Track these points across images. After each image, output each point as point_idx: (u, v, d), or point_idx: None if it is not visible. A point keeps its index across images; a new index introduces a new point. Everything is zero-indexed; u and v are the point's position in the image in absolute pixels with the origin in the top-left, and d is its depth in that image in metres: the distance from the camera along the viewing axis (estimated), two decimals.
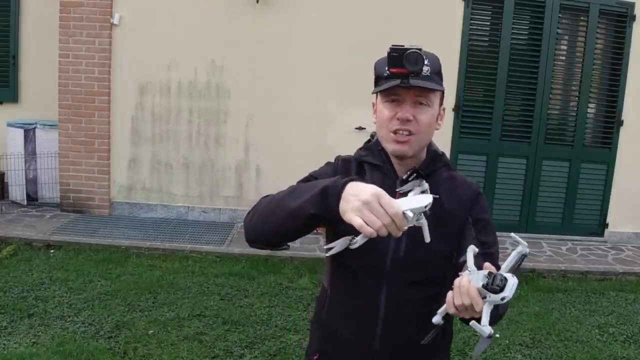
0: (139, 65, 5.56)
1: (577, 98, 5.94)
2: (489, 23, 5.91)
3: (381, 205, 0.97)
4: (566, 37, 6.02)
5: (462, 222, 1.33)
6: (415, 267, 1.29)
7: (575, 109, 5.96)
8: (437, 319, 1.15)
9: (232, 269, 4.47)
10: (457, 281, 1.09)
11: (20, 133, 5.69)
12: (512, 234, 1.10)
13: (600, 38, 5.89)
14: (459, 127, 5.81)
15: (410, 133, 1.26)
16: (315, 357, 1.41)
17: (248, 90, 5.63)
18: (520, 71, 5.81)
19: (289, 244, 4.94)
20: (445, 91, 1.33)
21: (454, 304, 1.07)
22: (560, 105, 6.08)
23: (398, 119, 1.25)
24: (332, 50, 5.57)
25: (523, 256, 1.04)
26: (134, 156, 5.73)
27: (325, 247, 1.06)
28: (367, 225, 0.96)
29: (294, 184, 1.27)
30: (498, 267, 1.12)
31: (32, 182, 5.80)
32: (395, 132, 1.27)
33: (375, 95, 1.33)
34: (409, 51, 1.18)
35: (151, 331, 3.38)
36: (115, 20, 5.47)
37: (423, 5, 5.61)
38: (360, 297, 1.32)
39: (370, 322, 1.31)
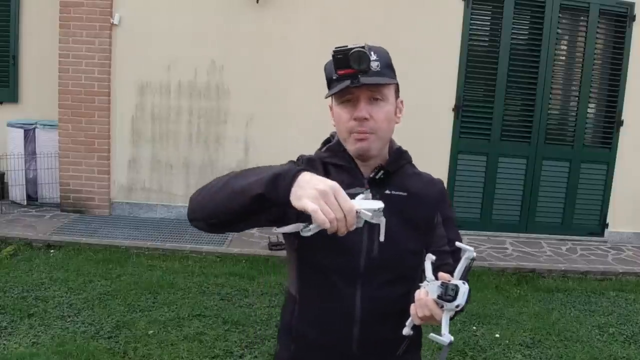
0: (139, 65, 5.56)
1: (577, 98, 5.94)
2: (489, 23, 5.92)
3: (337, 199, 0.95)
4: (566, 37, 6.02)
5: (431, 219, 1.33)
6: (388, 266, 1.28)
7: (575, 109, 5.96)
8: (406, 331, 1.17)
9: (232, 269, 4.47)
10: (417, 294, 1.12)
11: (20, 133, 5.69)
12: (457, 243, 1.12)
13: (600, 38, 5.89)
14: (459, 127, 5.80)
15: (370, 132, 1.25)
16: None
17: (248, 90, 5.63)
18: (520, 71, 5.81)
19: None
20: (399, 83, 1.31)
21: (417, 315, 1.11)
22: (560, 105, 6.08)
23: (355, 120, 1.24)
24: (331, 50, 5.56)
25: (472, 260, 1.07)
26: (134, 156, 5.74)
27: (275, 229, 1.03)
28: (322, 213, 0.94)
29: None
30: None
31: (32, 182, 5.80)
32: (354, 132, 1.25)
33: (330, 98, 1.31)
34: (352, 51, 1.16)
35: (151, 331, 3.38)
36: (115, 20, 5.47)
37: (423, 5, 5.61)
38: (334, 300, 1.28)
39: (346, 325, 1.28)
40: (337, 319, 1.29)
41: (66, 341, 3.16)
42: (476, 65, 5.77)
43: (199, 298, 3.91)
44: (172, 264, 4.51)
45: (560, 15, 5.75)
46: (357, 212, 0.97)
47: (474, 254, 1.07)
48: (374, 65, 1.21)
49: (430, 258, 1.14)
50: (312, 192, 0.95)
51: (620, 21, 5.81)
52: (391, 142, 1.36)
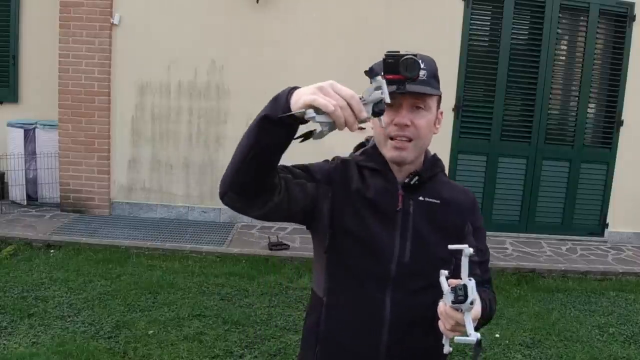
0: (139, 66, 5.56)
1: (577, 98, 5.94)
2: (489, 23, 5.92)
3: (335, 90, 0.97)
4: (566, 37, 6.02)
5: (462, 228, 1.34)
6: (420, 272, 1.28)
7: (575, 109, 5.96)
8: (447, 349, 1.17)
9: (232, 269, 4.47)
10: (438, 310, 1.12)
11: (20, 133, 5.69)
12: (450, 246, 1.12)
13: (600, 38, 5.89)
14: (459, 127, 5.81)
15: (409, 139, 1.25)
16: None
17: (248, 90, 5.63)
18: (520, 71, 5.81)
19: (287, 244, 4.95)
20: (442, 95, 1.32)
21: (447, 329, 1.11)
22: (560, 105, 6.08)
23: (396, 125, 1.24)
24: (332, 50, 5.57)
25: (473, 256, 1.11)
26: (134, 156, 5.73)
27: (294, 138, 1.07)
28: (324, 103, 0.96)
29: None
30: (488, 271, 1.29)
31: (32, 182, 5.80)
32: (393, 138, 1.25)
33: None
34: (404, 57, 1.15)
35: (151, 331, 3.38)
36: (115, 20, 5.47)
37: (423, 5, 5.61)
38: (364, 305, 1.28)
39: (375, 330, 1.27)
40: (366, 324, 1.28)
41: (66, 341, 3.16)
42: (476, 65, 5.77)
43: (199, 298, 3.91)
44: (172, 264, 4.51)
45: (560, 15, 5.75)
46: (360, 97, 0.98)
47: (471, 250, 1.09)
48: (422, 73, 1.21)
49: (443, 274, 1.14)
50: (310, 90, 0.99)
51: (620, 21, 5.81)
52: (426, 149, 1.37)
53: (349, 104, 0.96)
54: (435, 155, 1.39)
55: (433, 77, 1.27)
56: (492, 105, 5.81)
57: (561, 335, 3.74)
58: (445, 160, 5.77)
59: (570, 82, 6.00)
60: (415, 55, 1.16)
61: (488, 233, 5.26)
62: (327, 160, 1.37)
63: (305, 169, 1.30)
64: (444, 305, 1.11)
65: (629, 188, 5.98)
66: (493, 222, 5.93)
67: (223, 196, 1.17)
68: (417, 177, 1.30)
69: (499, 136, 5.84)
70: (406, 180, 1.30)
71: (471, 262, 1.29)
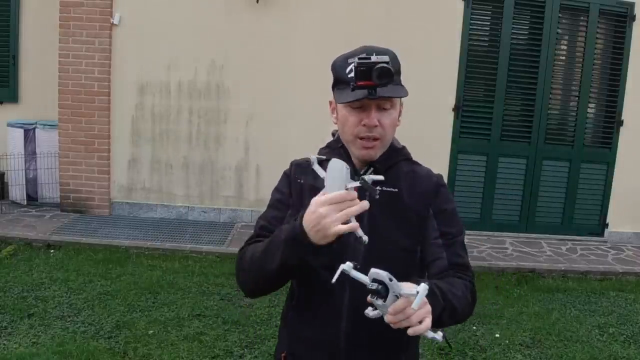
0: (139, 65, 5.56)
1: (577, 98, 5.94)
2: (489, 23, 5.92)
3: (332, 203, 1.08)
4: (566, 37, 6.02)
5: (423, 215, 1.33)
6: (378, 264, 1.25)
7: (575, 109, 5.96)
8: (438, 337, 1.13)
9: (232, 269, 4.43)
10: (387, 319, 1.10)
11: (20, 133, 5.69)
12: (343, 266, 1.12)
13: (600, 38, 5.88)
14: (459, 127, 5.80)
15: (376, 139, 1.27)
16: (283, 355, 1.41)
17: (248, 90, 5.63)
18: (520, 71, 5.81)
19: None
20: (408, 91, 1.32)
21: (414, 325, 1.09)
22: (560, 105, 6.08)
23: (364, 125, 1.26)
24: (332, 49, 5.55)
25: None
26: (134, 156, 5.73)
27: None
28: (349, 222, 1.08)
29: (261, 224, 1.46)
30: (460, 256, 1.30)
31: (32, 182, 5.80)
32: (362, 138, 1.27)
33: (333, 93, 1.32)
34: (377, 66, 1.16)
35: (151, 331, 3.38)
36: (115, 20, 5.47)
37: (423, 5, 5.61)
38: (325, 297, 1.31)
39: (334, 322, 1.30)
40: (326, 316, 1.32)
41: (66, 341, 3.16)
42: (476, 65, 5.77)
43: (199, 298, 3.91)
44: (172, 264, 4.51)
45: (560, 15, 5.75)
46: (346, 187, 1.09)
47: (350, 265, 1.10)
48: None
49: (348, 266, 1.11)
50: (327, 222, 1.09)
51: (620, 21, 5.81)
52: (393, 141, 1.37)
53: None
54: (396, 144, 1.37)
55: (397, 74, 1.27)
56: (492, 105, 5.81)
57: (561, 335, 3.74)
58: (445, 160, 5.78)
59: (570, 82, 6.00)
60: (387, 63, 1.17)
61: (488, 233, 5.26)
62: (285, 172, 1.45)
63: (277, 206, 1.43)
64: (392, 313, 1.08)
65: (629, 188, 5.98)
66: (493, 222, 5.93)
67: (253, 297, 1.46)
68: (371, 169, 1.31)
69: (499, 136, 5.84)
70: (362, 173, 1.31)
71: (435, 245, 1.30)
